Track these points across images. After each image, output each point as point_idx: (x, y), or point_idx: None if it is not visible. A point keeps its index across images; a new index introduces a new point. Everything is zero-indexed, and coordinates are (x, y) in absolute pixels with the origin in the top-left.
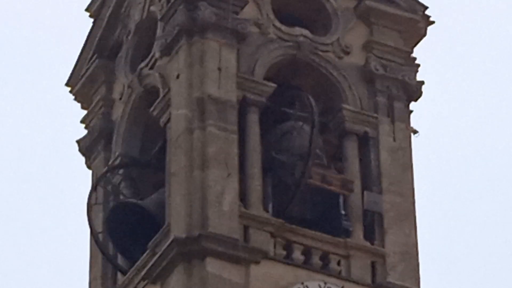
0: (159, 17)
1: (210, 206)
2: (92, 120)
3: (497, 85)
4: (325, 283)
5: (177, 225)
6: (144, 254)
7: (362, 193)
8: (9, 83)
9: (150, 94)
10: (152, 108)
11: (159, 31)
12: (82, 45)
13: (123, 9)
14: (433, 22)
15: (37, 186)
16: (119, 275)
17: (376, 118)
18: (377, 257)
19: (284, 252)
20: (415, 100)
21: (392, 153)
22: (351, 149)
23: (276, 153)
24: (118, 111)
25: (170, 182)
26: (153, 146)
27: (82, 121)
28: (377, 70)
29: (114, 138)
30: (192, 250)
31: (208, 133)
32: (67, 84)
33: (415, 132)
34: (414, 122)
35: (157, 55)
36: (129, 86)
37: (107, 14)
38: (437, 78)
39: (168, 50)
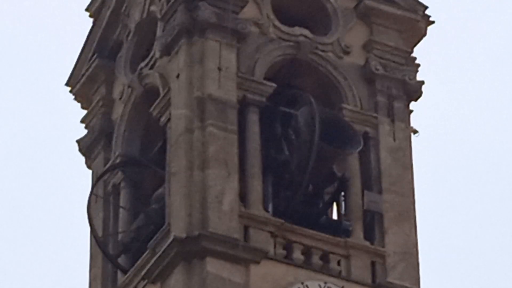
0: (159, 17)
1: (210, 206)
2: (92, 120)
3: (497, 85)
4: (325, 283)
5: (177, 225)
6: (144, 254)
7: (362, 193)
8: (9, 83)
9: (150, 94)
10: (152, 108)
11: (159, 31)
12: (82, 45)
13: (123, 9)
14: (433, 22)
15: (37, 186)
16: (119, 275)
17: (376, 118)
18: (377, 257)
19: (284, 252)
20: (415, 100)
21: (392, 153)
22: None
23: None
24: (118, 111)
25: (170, 182)
26: (153, 146)
27: (82, 121)
28: (377, 70)
29: (114, 138)
30: (192, 250)
31: (208, 133)
32: (67, 84)
33: (415, 132)
34: (414, 122)
35: (157, 55)
36: (129, 86)
37: (107, 14)
38: (437, 78)
39: (168, 50)
